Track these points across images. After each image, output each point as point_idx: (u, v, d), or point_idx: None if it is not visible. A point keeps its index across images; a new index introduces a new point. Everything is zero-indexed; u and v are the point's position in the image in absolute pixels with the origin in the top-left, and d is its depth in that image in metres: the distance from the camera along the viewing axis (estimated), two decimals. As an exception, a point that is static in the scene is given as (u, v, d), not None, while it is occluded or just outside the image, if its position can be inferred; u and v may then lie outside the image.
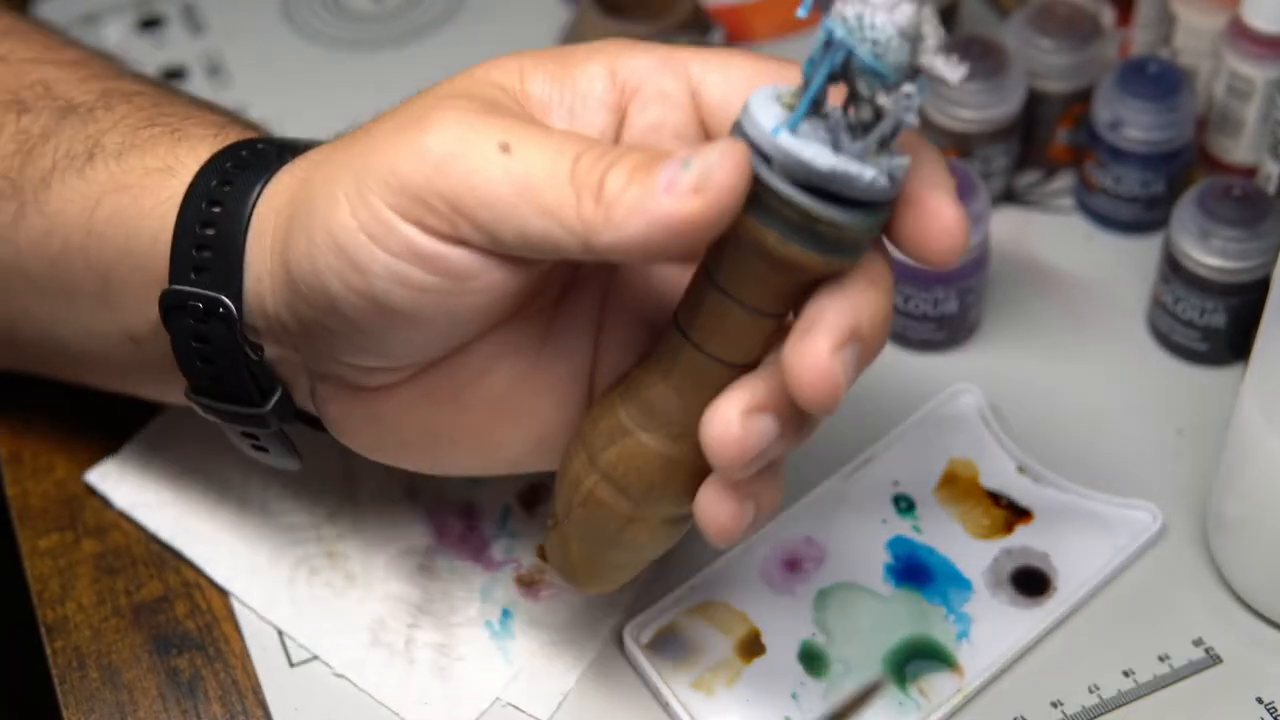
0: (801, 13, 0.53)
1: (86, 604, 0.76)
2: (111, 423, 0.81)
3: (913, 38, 0.52)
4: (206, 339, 0.62)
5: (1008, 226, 0.91)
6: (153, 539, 0.78)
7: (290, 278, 0.58)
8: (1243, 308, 0.82)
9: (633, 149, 0.54)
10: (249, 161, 0.62)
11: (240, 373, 0.63)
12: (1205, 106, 0.89)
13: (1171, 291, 0.83)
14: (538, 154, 0.54)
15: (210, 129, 0.66)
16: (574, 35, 0.98)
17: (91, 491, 0.80)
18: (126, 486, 0.79)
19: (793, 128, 0.54)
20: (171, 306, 0.62)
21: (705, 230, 0.52)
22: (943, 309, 0.84)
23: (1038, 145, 0.93)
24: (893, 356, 0.86)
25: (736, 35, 1.02)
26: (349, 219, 0.56)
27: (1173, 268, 0.83)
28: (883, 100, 0.53)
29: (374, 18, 1.05)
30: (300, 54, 1.03)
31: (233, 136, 0.65)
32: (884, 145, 0.54)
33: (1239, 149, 0.88)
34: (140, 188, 0.64)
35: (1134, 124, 0.87)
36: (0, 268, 0.70)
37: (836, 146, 0.54)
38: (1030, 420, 0.82)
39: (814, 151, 0.53)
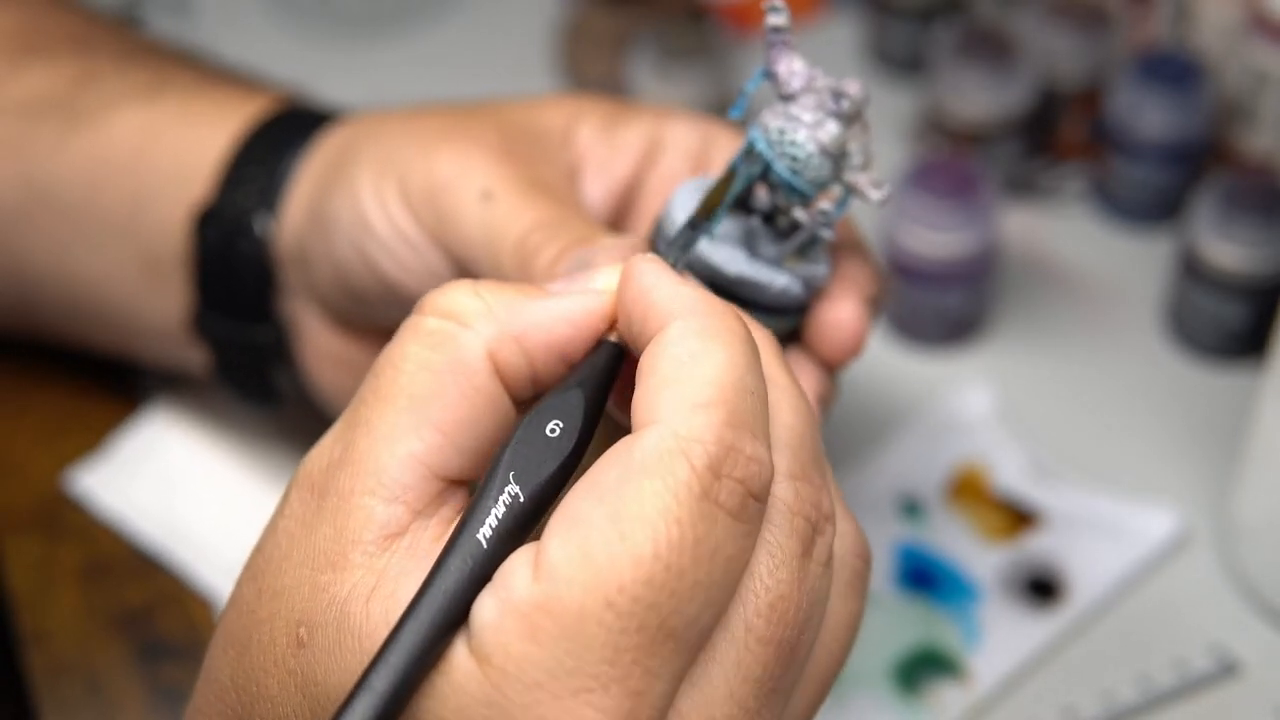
0: (734, 114, 0.54)
1: (68, 613, 0.75)
2: (90, 425, 0.81)
3: (836, 155, 0.52)
4: (232, 248, 0.69)
5: (1018, 222, 0.90)
6: (136, 545, 0.77)
7: (318, 217, 0.66)
8: (1262, 304, 0.81)
9: (575, 231, 0.58)
10: (308, 116, 0.71)
11: (251, 285, 0.69)
12: (1222, 96, 0.88)
13: (1188, 288, 0.82)
14: (507, 214, 0.59)
15: (272, 90, 0.75)
16: (572, 25, 0.97)
17: (73, 496, 0.78)
18: (109, 487, 0.79)
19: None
20: (209, 216, 0.69)
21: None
22: (951, 307, 0.83)
23: (1049, 137, 0.92)
24: (899, 356, 0.84)
25: (735, 28, 1.01)
26: (368, 188, 0.64)
27: (1190, 264, 0.81)
28: (799, 214, 0.53)
29: (366, 8, 1.04)
30: (290, 44, 1.02)
31: (293, 100, 0.73)
32: (803, 253, 0.55)
33: (1257, 139, 0.86)
34: (205, 117, 0.72)
35: (1151, 116, 0.85)
36: (35, 190, 0.73)
37: (752, 251, 0.55)
38: (1042, 421, 0.81)
39: (724, 256, 0.54)
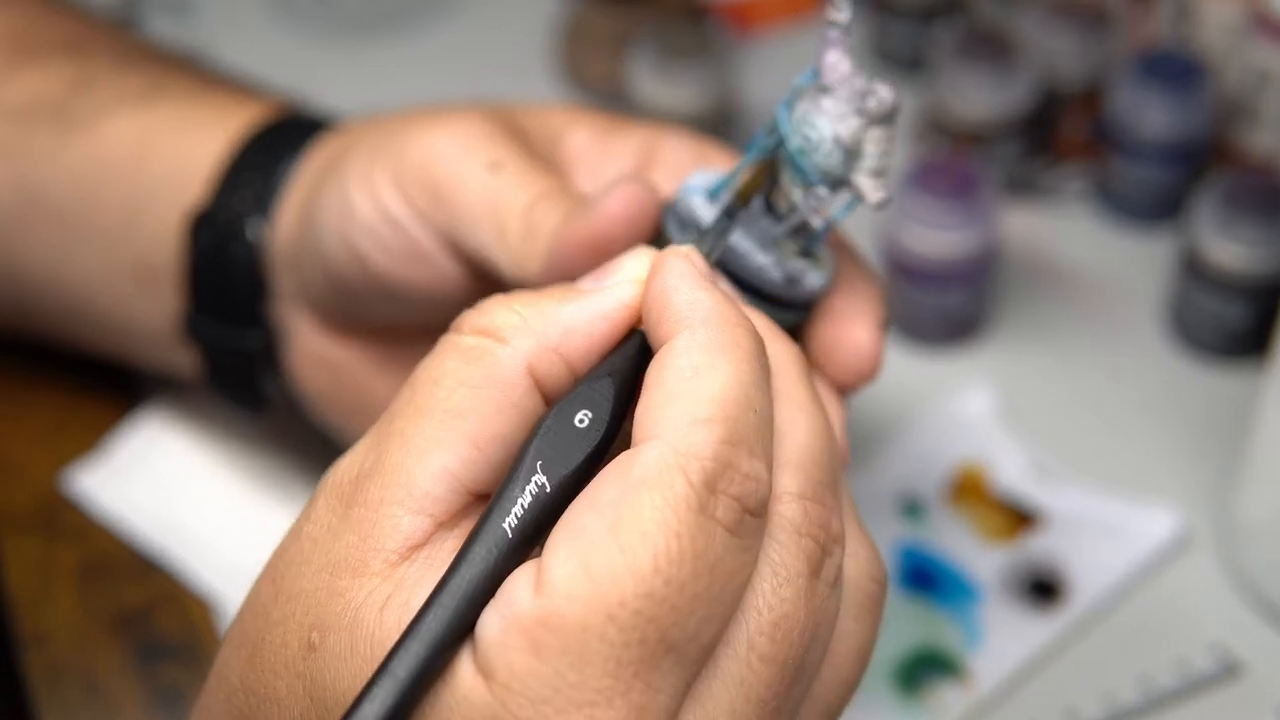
0: (781, 107, 0.54)
1: (67, 614, 0.74)
2: (88, 426, 0.80)
3: (849, 149, 0.53)
4: (225, 253, 0.68)
5: (1019, 222, 0.90)
6: (134, 545, 0.77)
7: (309, 214, 0.65)
8: (1264, 303, 0.80)
9: (578, 198, 0.58)
10: (304, 123, 0.70)
11: (242, 289, 0.69)
12: (1223, 96, 0.88)
13: (1189, 288, 0.82)
14: (514, 182, 0.59)
15: (269, 97, 0.74)
16: (572, 25, 0.97)
17: (71, 496, 0.78)
18: (108, 488, 0.78)
19: (712, 192, 0.55)
20: (203, 220, 0.69)
21: (590, 250, 0.54)
22: (951, 307, 0.83)
23: (1050, 137, 0.92)
24: (899, 356, 0.84)
25: (736, 28, 1.01)
26: (355, 175, 0.63)
27: (1191, 263, 0.81)
28: (796, 196, 0.54)
29: (365, 8, 1.04)
30: (290, 45, 1.02)
31: (287, 107, 0.73)
32: (806, 251, 0.55)
33: (1258, 138, 0.86)
34: (202, 123, 0.72)
35: (1152, 115, 0.85)
36: (29, 194, 0.73)
37: (746, 228, 0.55)
38: (1043, 421, 0.81)
39: (711, 213, 0.54)
